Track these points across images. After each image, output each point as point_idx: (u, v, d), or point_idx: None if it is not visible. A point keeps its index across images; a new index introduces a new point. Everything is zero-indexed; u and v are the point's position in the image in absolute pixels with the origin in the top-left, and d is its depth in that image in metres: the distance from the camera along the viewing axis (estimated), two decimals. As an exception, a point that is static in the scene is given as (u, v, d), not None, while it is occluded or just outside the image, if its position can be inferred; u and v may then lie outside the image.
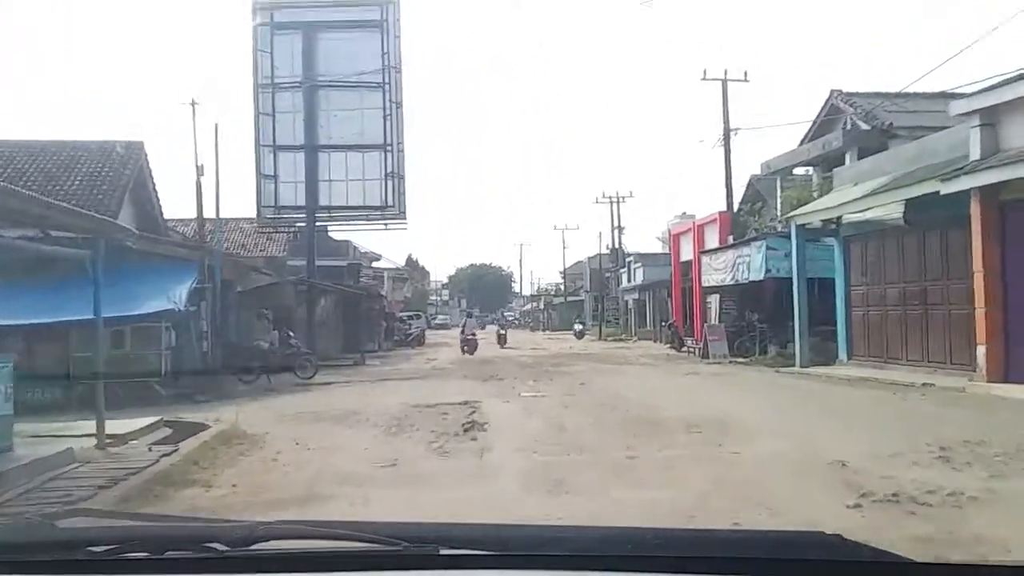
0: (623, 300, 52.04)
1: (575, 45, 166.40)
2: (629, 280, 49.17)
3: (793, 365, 20.16)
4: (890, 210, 14.99)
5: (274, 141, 25.99)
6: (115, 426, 10.51)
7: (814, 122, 27.34)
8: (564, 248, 75.84)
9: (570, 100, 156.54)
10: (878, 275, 17.32)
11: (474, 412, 11.87)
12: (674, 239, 35.63)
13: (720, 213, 30.09)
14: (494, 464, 7.85)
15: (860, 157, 22.49)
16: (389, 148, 26.00)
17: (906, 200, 14.51)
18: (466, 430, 10.14)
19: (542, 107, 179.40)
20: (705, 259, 28.04)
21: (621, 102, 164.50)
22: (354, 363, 25.59)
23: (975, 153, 12.90)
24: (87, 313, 14.96)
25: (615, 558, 1.47)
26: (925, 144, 15.87)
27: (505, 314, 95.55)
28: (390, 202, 25.68)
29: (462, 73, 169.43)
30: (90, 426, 9.66)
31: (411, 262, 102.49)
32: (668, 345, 32.09)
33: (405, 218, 26.13)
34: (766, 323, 24.43)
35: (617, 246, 54.60)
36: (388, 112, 26.04)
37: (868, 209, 15.52)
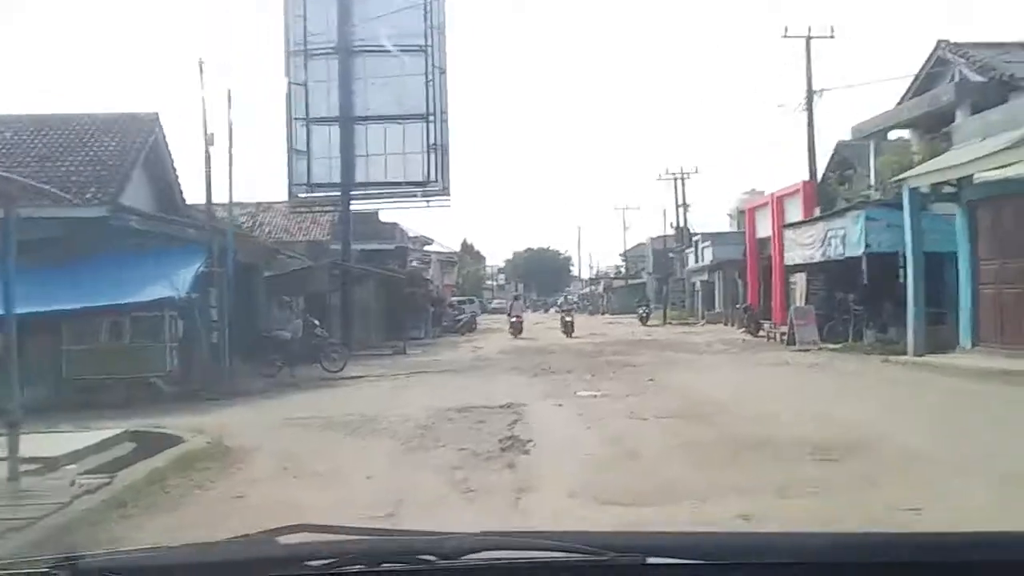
0: (689, 282, 48.82)
1: (637, 2, 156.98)
2: (696, 260, 45.93)
3: (899, 352, 17.11)
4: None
5: (307, 113, 23.70)
6: (59, 442, 8.28)
7: (916, 77, 23.88)
8: (625, 229, 72.63)
9: (631, 66, 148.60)
10: (1016, 246, 14.15)
11: (517, 421, 9.34)
12: (749, 214, 32.44)
13: (804, 182, 26.87)
14: (535, 520, 5.25)
15: (975, 114, 19.32)
16: (432, 118, 23.45)
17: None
18: (503, 450, 7.63)
19: (601, 75, 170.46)
20: (788, 234, 24.91)
21: (687, 66, 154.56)
22: (394, 352, 23.28)
23: None
24: (55, 302, 13.07)
25: (838, 565, 1.44)
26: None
27: (567, 297, 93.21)
28: (432, 177, 23.18)
29: (513, 36, 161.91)
30: (33, 441, 7.46)
31: (466, 246, 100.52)
32: (743, 330, 29.04)
33: (449, 194, 23.65)
34: (861, 305, 21.29)
35: (682, 225, 51.35)
36: (431, 78, 23.49)
37: (1013, 164, 12.40)
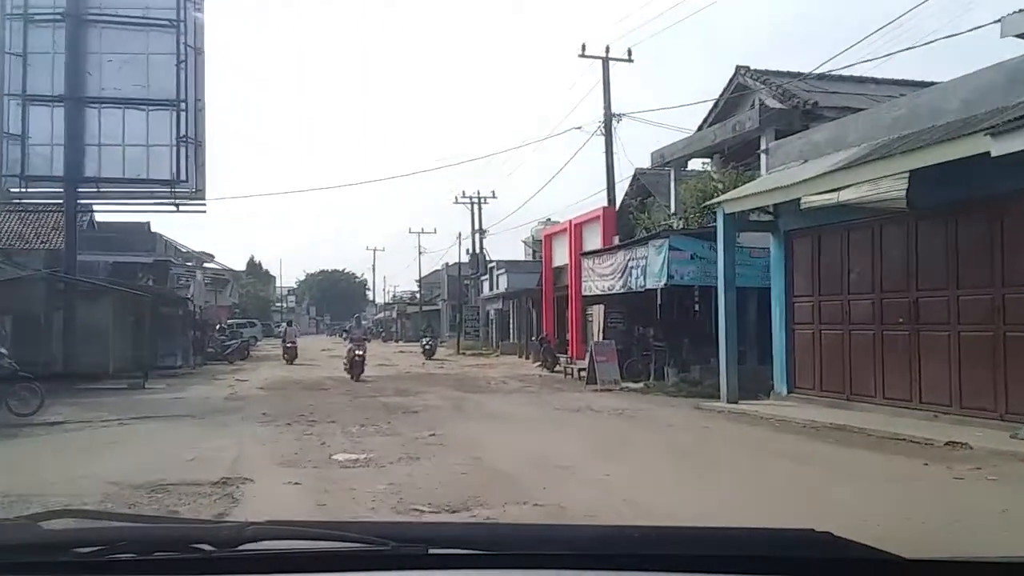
0: (484, 310, 46.93)
1: (430, 17, 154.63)
2: (491, 288, 44.14)
3: (708, 396, 15.53)
4: (883, 188, 10.41)
5: (24, 89, 19.09)
6: None
7: (716, 104, 23.19)
8: (420, 253, 69.59)
9: (425, 81, 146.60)
10: (837, 282, 12.82)
11: (224, 514, 6.24)
12: (546, 241, 30.79)
13: (603, 208, 25.44)
14: None
15: (779, 140, 18.47)
16: (183, 105, 19.58)
17: (911, 173, 9.95)
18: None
19: (392, 93, 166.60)
20: (586, 263, 23.23)
21: (485, 81, 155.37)
22: (130, 387, 19.10)
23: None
24: None
25: (606, 556, 1.46)
26: (920, 102, 11.48)
27: (359, 319, 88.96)
28: (183, 175, 19.29)
29: (295, 28, 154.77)
30: None
31: (253, 265, 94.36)
32: (538, 364, 27.13)
33: (203, 197, 19.76)
34: (662, 341, 19.84)
35: (478, 251, 49.54)
36: (182, 59, 19.63)
37: (847, 187, 10.89)
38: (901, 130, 11.27)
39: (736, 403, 13.69)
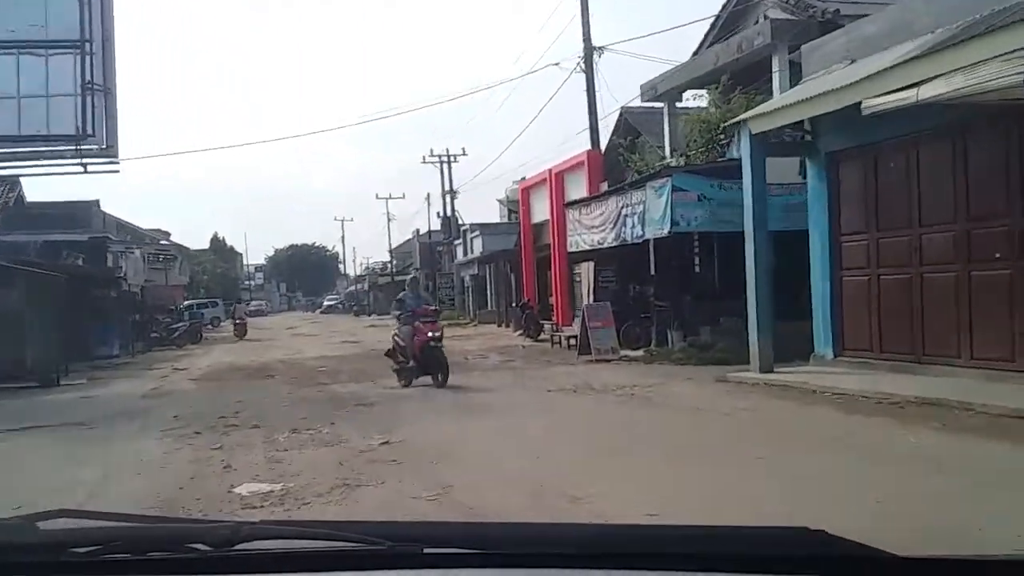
0: (459, 277, 43.95)
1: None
2: (466, 253, 41.12)
3: (721, 363, 12.90)
4: (986, 74, 7.52)
5: None
6: None
7: (713, 24, 20.17)
8: (389, 220, 66.15)
9: (384, 22, 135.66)
10: (904, 212, 10.02)
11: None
12: (523, 195, 27.80)
13: (588, 152, 22.48)
14: None
15: (793, 63, 15.68)
16: (90, 47, 16.32)
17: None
18: None
19: (348, 37, 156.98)
20: (572, 215, 20.30)
21: (446, 30, 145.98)
22: (41, 385, 16.10)
23: None
24: None
25: (600, 556, 1.45)
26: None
27: (326, 298, 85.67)
28: (90, 129, 16.14)
29: None
30: None
31: (217, 242, 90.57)
32: (520, 332, 24.31)
33: (116, 155, 16.60)
34: (665, 301, 17.04)
35: (450, 214, 46.46)
36: (87, -13, 16.35)
37: (929, 81, 7.99)
38: (993, 6, 8.39)
39: (771, 371, 10.91)
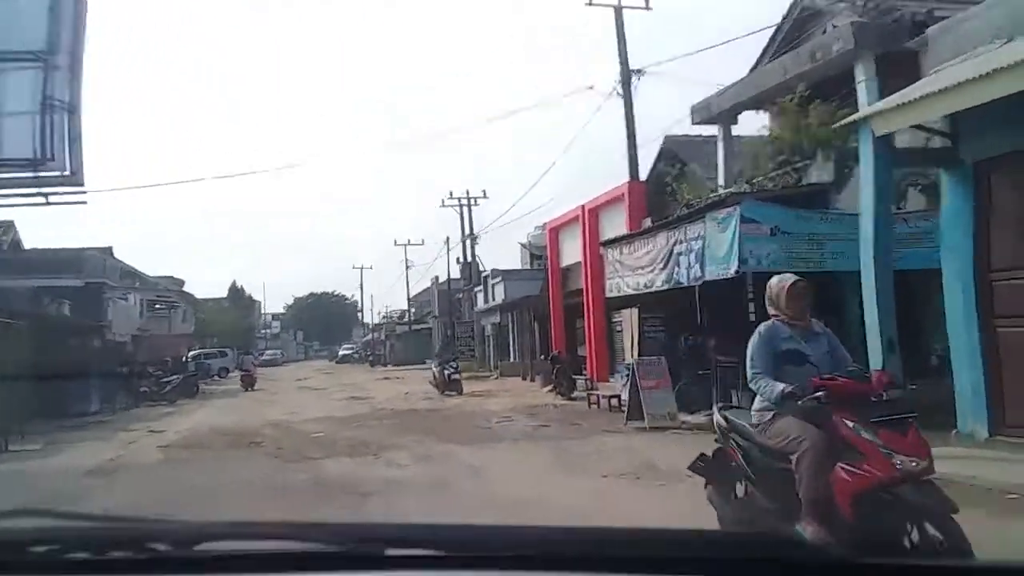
0: (479, 325, 41.20)
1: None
2: (487, 300, 38.48)
3: None
4: None
5: None
6: None
7: (773, 37, 17.65)
8: (407, 268, 63.64)
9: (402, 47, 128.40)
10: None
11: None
12: (551, 236, 25.17)
13: (629, 183, 19.87)
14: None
15: (881, 72, 13.21)
16: (54, 59, 14.01)
17: None
18: None
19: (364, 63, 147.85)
20: (611, 254, 17.60)
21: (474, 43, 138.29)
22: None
23: None
24: None
25: (564, 558, 1.44)
26: None
27: (342, 347, 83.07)
28: (50, 153, 13.76)
29: None
30: None
31: (235, 290, 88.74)
32: (549, 388, 21.47)
33: (81, 182, 14.14)
34: (730, 355, 14.19)
35: (470, 260, 43.93)
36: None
37: None
38: None
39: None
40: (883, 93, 13.86)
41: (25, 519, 1.63)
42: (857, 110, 14.09)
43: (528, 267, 37.52)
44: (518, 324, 32.58)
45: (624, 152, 21.21)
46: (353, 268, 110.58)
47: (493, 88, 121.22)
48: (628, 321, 17.24)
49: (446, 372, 23.41)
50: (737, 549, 1.53)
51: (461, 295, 44.54)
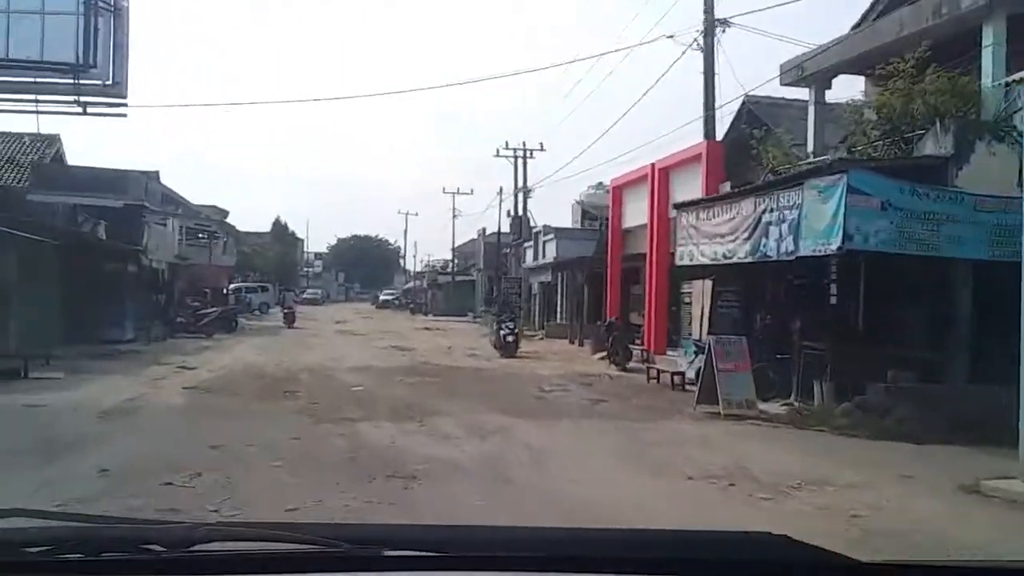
0: (526, 283, 39.89)
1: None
2: (535, 257, 37.09)
3: (916, 440, 8.89)
4: None
5: None
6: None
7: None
8: (454, 216, 62.20)
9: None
10: None
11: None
12: (614, 194, 23.60)
13: (707, 143, 18.24)
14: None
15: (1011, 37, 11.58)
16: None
17: None
18: None
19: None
20: (685, 219, 16.09)
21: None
22: (2, 376, 12.60)
23: None
24: None
25: (560, 559, 1.45)
26: None
27: (383, 292, 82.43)
28: (91, 59, 12.59)
29: None
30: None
31: (279, 226, 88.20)
32: (600, 356, 20.18)
33: (122, 93, 13.01)
34: (817, 341, 12.70)
35: (522, 214, 42.43)
36: None
37: None
38: None
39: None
40: (1011, 61, 12.17)
41: (19, 519, 1.55)
42: (979, 78, 12.44)
43: (579, 226, 36.06)
44: (569, 285, 31.19)
45: (693, 112, 19.64)
46: (399, 213, 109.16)
47: (561, 33, 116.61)
48: (699, 293, 15.79)
49: (501, 332, 21.53)
50: (738, 549, 1.52)
51: (509, 250, 43.19)
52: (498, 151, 42.47)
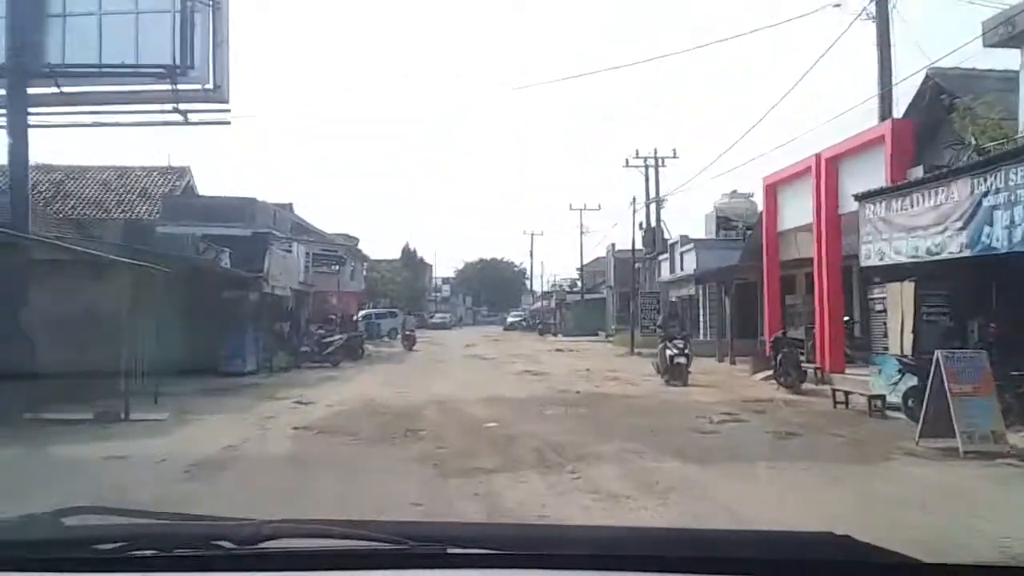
0: (666, 297, 37.21)
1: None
2: (673, 270, 34.51)
3: None
4: None
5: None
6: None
7: None
8: (582, 233, 59.77)
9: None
10: None
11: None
12: (767, 193, 20.86)
13: (893, 122, 15.43)
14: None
15: None
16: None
17: None
18: None
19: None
20: (870, 210, 13.42)
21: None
22: (97, 418, 11.41)
23: None
24: None
25: (622, 557, 1.43)
26: None
27: (511, 314, 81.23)
28: (189, 60, 11.31)
29: None
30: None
31: (408, 253, 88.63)
32: (763, 375, 17.55)
33: (224, 97, 11.70)
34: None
35: (655, 225, 39.86)
36: None
37: None
38: None
39: None
40: None
41: (91, 515, 1.58)
42: None
43: (714, 236, 33.32)
44: (714, 298, 28.46)
45: (845, 104, 16.85)
46: (524, 233, 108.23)
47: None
48: (897, 298, 13.01)
49: (668, 353, 17.97)
50: (800, 549, 1.50)
51: (641, 264, 40.66)
52: (627, 161, 40.20)
